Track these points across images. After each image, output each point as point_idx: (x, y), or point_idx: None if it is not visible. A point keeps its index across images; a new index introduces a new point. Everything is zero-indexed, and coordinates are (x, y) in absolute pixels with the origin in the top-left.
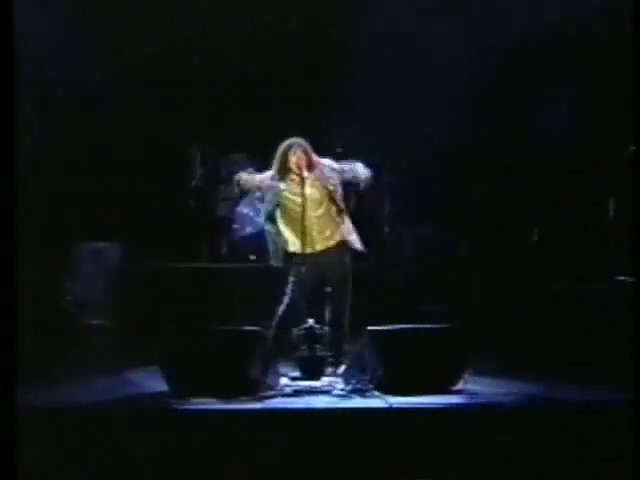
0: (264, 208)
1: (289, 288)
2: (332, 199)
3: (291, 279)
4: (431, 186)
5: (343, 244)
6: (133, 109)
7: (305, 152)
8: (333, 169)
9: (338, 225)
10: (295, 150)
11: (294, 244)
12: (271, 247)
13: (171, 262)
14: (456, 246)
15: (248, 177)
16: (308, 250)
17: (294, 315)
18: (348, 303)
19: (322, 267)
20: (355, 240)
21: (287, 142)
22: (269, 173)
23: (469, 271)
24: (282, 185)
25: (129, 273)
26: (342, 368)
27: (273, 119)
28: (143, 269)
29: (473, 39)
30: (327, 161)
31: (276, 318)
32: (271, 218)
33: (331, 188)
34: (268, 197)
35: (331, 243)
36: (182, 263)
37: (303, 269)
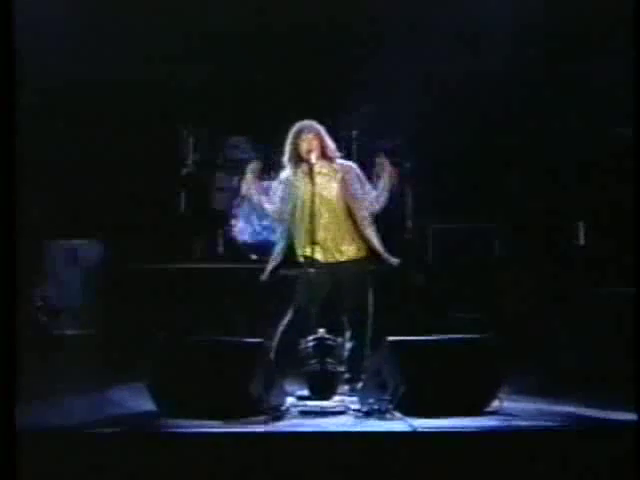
0: (272, 201)
1: (297, 294)
2: (351, 202)
3: (299, 285)
4: (460, 175)
5: (366, 259)
6: (115, 84)
7: (318, 137)
8: (360, 180)
9: (361, 233)
10: (306, 134)
11: (304, 247)
12: (277, 251)
13: (159, 262)
14: (490, 245)
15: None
16: (319, 256)
17: (301, 325)
18: (370, 319)
19: (337, 279)
20: (384, 255)
21: (297, 126)
22: (281, 177)
23: (504, 274)
24: (291, 175)
25: (110, 275)
26: (358, 385)
27: (280, 97)
28: (126, 270)
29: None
30: (354, 166)
31: (280, 328)
32: (280, 215)
33: (351, 192)
34: (278, 190)
35: (348, 257)
36: (172, 264)
37: (313, 274)
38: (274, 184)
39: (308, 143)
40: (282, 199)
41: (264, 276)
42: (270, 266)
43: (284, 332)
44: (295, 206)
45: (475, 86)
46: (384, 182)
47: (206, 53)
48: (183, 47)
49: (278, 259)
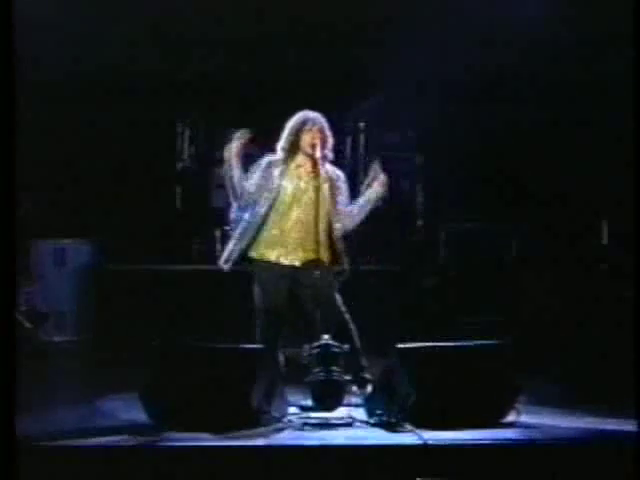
0: (256, 195)
1: (264, 297)
2: (333, 210)
3: (266, 286)
4: (476, 171)
5: (325, 261)
6: (104, 72)
7: (322, 132)
8: (344, 192)
9: (332, 245)
10: (311, 127)
11: (275, 244)
12: (238, 243)
13: (153, 264)
14: (506, 245)
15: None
16: (291, 258)
17: (269, 334)
18: (348, 315)
19: (297, 280)
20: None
21: (301, 116)
22: (266, 160)
23: (522, 276)
24: (282, 165)
25: (101, 277)
26: (365, 393)
27: (283, 86)
28: (119, 272)
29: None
30: (341, 175)
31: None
32: (263, 209)
33: (336, 200)
34: (266, 183)
35: (310, 257)
36: (168, 265)
37: (276, 280)
38: (255, 169)
39: (312, 137)
40: (259, 186)
41: (226, 264)
42: (235, 253)
43: (264, 340)
44: (278, 198)
45: (494, 74)
46: (368, 197)
47: (204, 41)
48: (180, 35)
49: (243, 245)
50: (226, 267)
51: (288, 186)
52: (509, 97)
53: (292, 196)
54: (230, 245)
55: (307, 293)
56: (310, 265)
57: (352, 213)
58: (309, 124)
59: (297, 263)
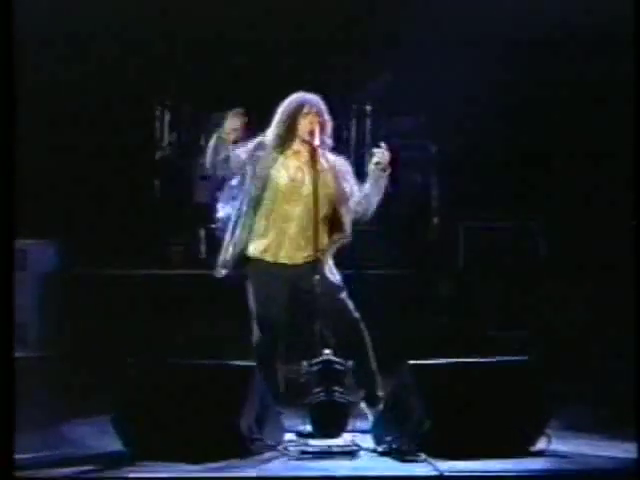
0: (247, 186)
1: (263, 302)
2: (336, 203)
3: (262, 289)
4: (499, 162)
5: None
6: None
7: (321, 117)
8: (345, 178)
9: (331, 233)
10: (308, 111)
11: (272, 243)
12: (233, 246)
13: (127, 268)
14: (534, 246)
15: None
16: (292, 255)
17: (265, 347)
18: (362, 324)
19: (297, 282)
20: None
21: (297, 99)
22: (257, 140)
23: (552, 282)
24: (275, 152)
25: (68, 283)
26: (380, 405)
27: (277, 63)
28: (89, 277)
29: None
30: (345, 164)
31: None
32: (255, 203)
33: (333, 182)
34: (255, 170)
35: (310, 256)
36: (145, 269)
37: (284, 276)
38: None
39: (310, 122)
40: (245, 164)
41: (220, 270)
42: (229, 255)
43: (260, 354)
44: (270, 189)
45: (525, 43)
46: (375, 180)
47: (187, 12)
48: (159, 7)
49: (238, 249)
50: (222, 273)
51: (283, 177)
52: (541, 70)
53: (288, 188)
54: (224, 246)
55: (308, 299)
56: (311, 266)
57: (362, 204)
58: (306, 107)
59: (296, 262)
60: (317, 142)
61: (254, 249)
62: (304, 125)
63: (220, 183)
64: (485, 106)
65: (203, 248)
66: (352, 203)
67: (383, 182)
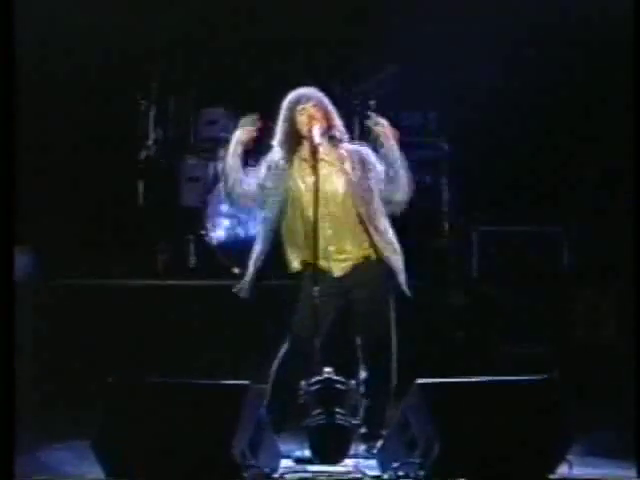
0: (265, 199)
1: (294, 320)
2: (358, 186)
3: (296, 307)
4: (516, 161)
5: (374, 261)
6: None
7: (320, 108)
8: (368, 166)
9: (368, 234)
10: (304, 105)
11: (299, 257)
12: (258, 256)
13: (108, 278)
14: (555, 255)
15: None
16: (321, 268)
17: (300, 361)
18: (392, 346)
19: (344, 294)
20: (392, 253)
21: (291, 96)
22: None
23: (574, 293)
24: (284, 161)
25: (42, 294)
26: (378, 444)
27: (273, 55)
28: (65, 288)
29: None
30: (365, 150)
31: (275, 366)
32: (277, 217)
33: (358, 175)
34: (270, 182)
35: (352, 262)
36: (127, 279)
37: (314, 292)
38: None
39: (308, 116)
40: (262, 187)
41: (244, 290)
42: (250, 276)
43: (279, 372)
44: (286, 201)
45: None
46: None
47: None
48: None
49: (259, 266)
50: (243, 293)
51: (302, 185)
52: (559, 62)
53: (311, 196)
54: (251, 274)
55: (354, 307)
56: (352, 269)
57: (389, 185)
58: (303, 102)
59: (338, 272)
60: (317, 140)
61: (289, 263)
62: (302, 121)
63: (210, 185)
64: (503, 100)
65: (192, 257)
66: (382, 192)
67: (393, 150)
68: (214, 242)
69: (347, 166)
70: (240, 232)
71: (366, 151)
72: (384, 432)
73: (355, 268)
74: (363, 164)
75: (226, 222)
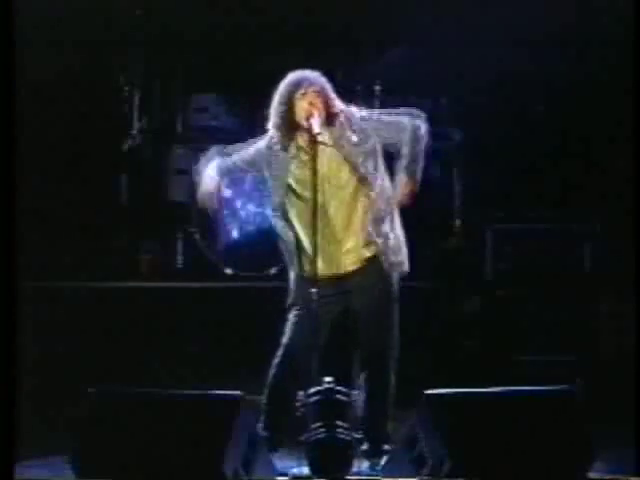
0: (267, 193)
1: (288, 329)
2: (363, 178)
3: (293, 315)
4: (535, 154)
5: (378, 261)
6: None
7: (322, 95)
8: (365, 120)
9: (375, 227)
10: (306, 91)
11: (300, 259)
12: (291, 261)
13: (88, 280)
14: (578, 255)
15: (236, 158)
16: (323, 270)
17: (299, 371)
18: (394, 356)
19: (345, 298)
20: (400, 257)
21: (291, 78)
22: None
23: (599, 296)
24: (280, 150)
25: (13, 297)
26: (383, 460)
27: (270, 35)
28: (39, 291)
29: None
30: (354, 109)
31: (270, 377)
32: (282, 211)
33: (360, 159)
34: (271, 172)
35: (356, 259)
36: (107, 281)
37: (314, 298)
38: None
39: (308, 103)
40: (280, 185)
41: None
42: (294, 294)
43: (274, 382)
44: (290, 198)
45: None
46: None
47: None
48: None
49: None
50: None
51: (303, 177)
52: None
53: (313, 190)
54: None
55: (356, 312)
56: (358, 271)
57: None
58: (303, 86)
59: (338, 272)
60: (316, 129)
61: (294, 268)
62: (302, 108)
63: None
64: (519, 83)
65: (179, 256)
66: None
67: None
68: (204, 241)
69: (346, 146)
70: (233, 230)
71: (361, 111)
72: (387, 447)
73: (356, 269)
74: (359, 121)
75: (221, 220)
